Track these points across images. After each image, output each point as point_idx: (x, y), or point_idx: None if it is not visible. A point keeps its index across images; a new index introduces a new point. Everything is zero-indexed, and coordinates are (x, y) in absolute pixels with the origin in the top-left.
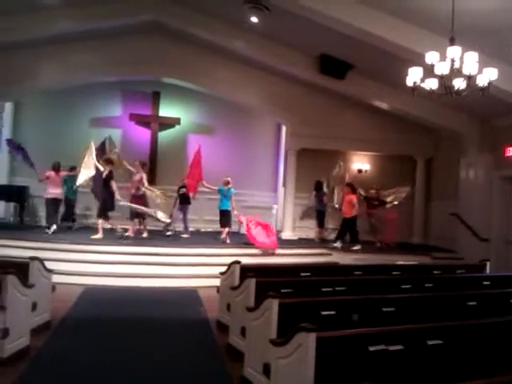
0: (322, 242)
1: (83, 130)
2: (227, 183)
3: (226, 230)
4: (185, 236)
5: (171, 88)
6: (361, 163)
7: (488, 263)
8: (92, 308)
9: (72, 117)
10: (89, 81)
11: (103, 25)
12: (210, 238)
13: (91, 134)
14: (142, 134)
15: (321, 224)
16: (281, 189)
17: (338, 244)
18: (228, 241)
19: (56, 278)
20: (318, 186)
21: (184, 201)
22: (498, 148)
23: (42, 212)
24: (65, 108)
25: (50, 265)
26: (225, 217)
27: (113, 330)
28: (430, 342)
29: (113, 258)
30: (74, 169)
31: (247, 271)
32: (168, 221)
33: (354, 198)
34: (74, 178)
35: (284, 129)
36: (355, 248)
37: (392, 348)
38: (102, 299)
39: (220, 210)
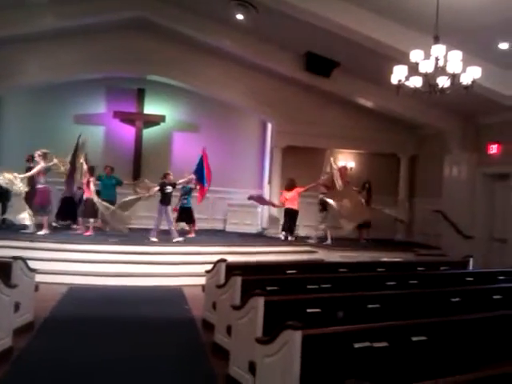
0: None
1: (67, 126)
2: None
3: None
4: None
5: (156, 85)
6: (345, 161)
7: (471, 260)
8: (76, 308)
9: (56, 113)
10: (73, 77)
11: (89, 21)
12: (195, 237)
13: (75, 130)
14: (127, 132)
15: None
16: (266, 186)
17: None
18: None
19: (39, 278)
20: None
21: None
22: (481, 146)
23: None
24: (48, 104)
25: (33, 264)
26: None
27: (97, 329)
28: (415, 339)
29: (97, 257)
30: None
31: (233, 269)
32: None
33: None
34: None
35: (269, 126)
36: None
37: (377, 345)
38: (86, 299)
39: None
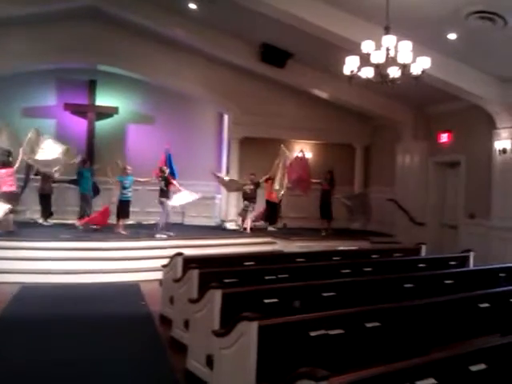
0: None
1: (15, 120)
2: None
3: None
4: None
5: (108, 76)
6: (302, 152)
7: (424, 246)
8: (28, 307)
9: (3, 106)
10: (21, 69)
11: (37, 10)
12: (151, 230)
13: (24, 124)
14: (79, 124)
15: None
16: (225, 178)
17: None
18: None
19: None
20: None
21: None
22: (432, 135)
23: None
24: None
25: None
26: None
27: (51, 329)
28: (369, 325)
29: (50, 254)
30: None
31: (190, 262)
32: None
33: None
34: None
35: (226, 117)
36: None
37: (332, 332)
38: (38, 298)
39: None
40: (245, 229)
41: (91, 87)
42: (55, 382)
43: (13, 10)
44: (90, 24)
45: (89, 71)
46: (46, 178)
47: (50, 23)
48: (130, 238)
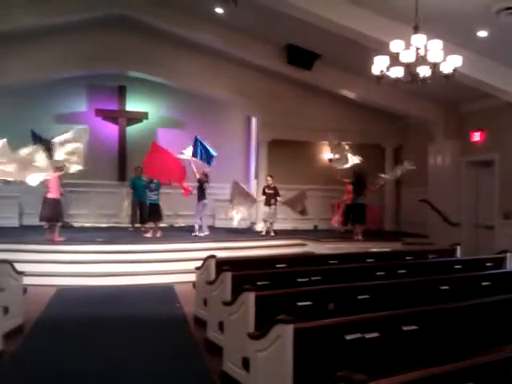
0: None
1: (48, 127)
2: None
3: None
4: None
5: (138, 82)
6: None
7: (459, 247)
8: (65, 309)
9: (36, 114)
10: (53, 77)
11: (68, 19)
12: (184, 233)
13: (57, 130)
14: (110, 129)
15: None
16: (253, 181)
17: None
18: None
19: (27, 280)
20: None
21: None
22: (464, 133)
23: (9, 213)
24: (28, 105)
25: (20, 267)
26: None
27: (88, 330)
28: (405, 328)
29: (85, 258)
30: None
31: (222, 265)
32: None
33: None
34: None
35: (254, 120)
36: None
37: (368, 336)
38: (75, 300)
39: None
40: (267, 233)
41: (121, 93)
42: (93, 381)
43: (45, 20)
44: (118, 31)
45: (118, 77)
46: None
47: (80, 32)
48: (162, 240)
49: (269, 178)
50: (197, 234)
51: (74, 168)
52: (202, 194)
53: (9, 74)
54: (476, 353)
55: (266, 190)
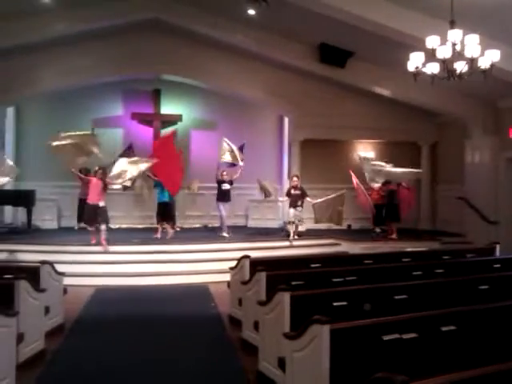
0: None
1: (86, 130)
2: None
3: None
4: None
5: (171, 85)
6: (365, 151)
7: (497, 246)
8: (104, 309)
9: (74, 118)
10: (89, 82)
11: (102, 25)
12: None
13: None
14: (145, 133)
15: None
16: (286, 181)
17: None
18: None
19: (67, 281)
20: None
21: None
22: (502, 129)
23: (48, 215)
24: (66, 110)
25: (60, 267)
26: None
27: (126, 329)
28: (444, 329)
29: (122, 258)
30: None
31: (257, 265)
32: None
33: None
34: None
35: (287, 120)
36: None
37: (406, 336)
38: (113, 299)
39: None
40: (288, 236)
41: (156, 96)
42: (131, 379)
43: (80, 26)
44: (152, 35)
45: (153, 81)
46: None
47: (115, 36)
48: (196, 240)
49: (295, 179)
50: (221, 234)
51: (118, 183)
52: (221, 194)
53: (44, 80)
54: None
55: (292, 191)
